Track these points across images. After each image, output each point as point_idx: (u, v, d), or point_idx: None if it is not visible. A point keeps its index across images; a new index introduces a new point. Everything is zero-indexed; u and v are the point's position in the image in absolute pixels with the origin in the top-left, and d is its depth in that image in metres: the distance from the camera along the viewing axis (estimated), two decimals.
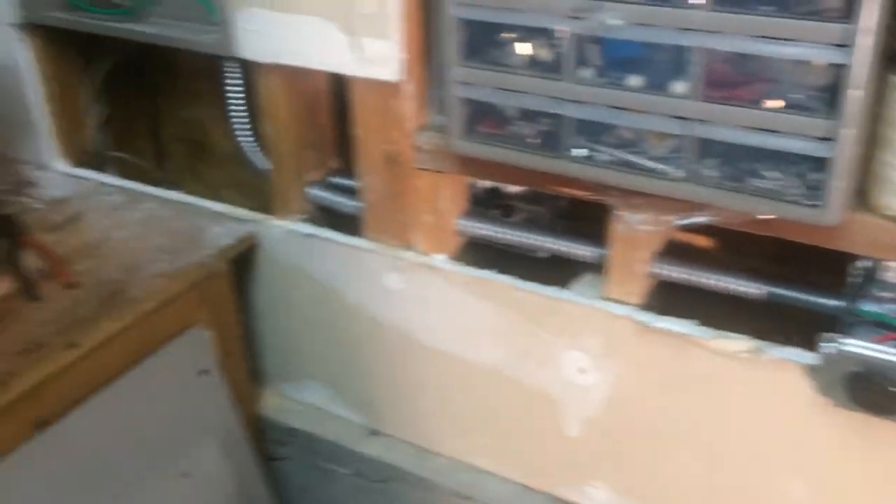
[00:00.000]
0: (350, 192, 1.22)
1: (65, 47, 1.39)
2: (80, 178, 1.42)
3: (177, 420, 1.16)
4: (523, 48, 0.93)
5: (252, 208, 1.28)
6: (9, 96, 1.41)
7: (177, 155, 1.51)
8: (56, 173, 1.44)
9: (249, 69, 1.18)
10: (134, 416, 1.09)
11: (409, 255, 1.13)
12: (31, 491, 0.98)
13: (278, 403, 1.35)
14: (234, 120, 1.28)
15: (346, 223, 1.20)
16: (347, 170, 1.24)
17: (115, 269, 1.16)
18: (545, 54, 0.91)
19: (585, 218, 1.11)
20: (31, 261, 1.16)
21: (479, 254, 1.14)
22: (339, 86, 1.19)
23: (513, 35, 0.93)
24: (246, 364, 1.31)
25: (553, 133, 0.93)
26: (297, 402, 1.34)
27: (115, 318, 1.05)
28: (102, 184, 1.41)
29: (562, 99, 0.90)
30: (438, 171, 1.07)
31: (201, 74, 1.43)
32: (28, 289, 1.11)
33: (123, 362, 1.08)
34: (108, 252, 1.20)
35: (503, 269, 1.09)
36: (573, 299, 1.02)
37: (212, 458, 1.20)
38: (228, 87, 1.25)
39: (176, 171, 1.50)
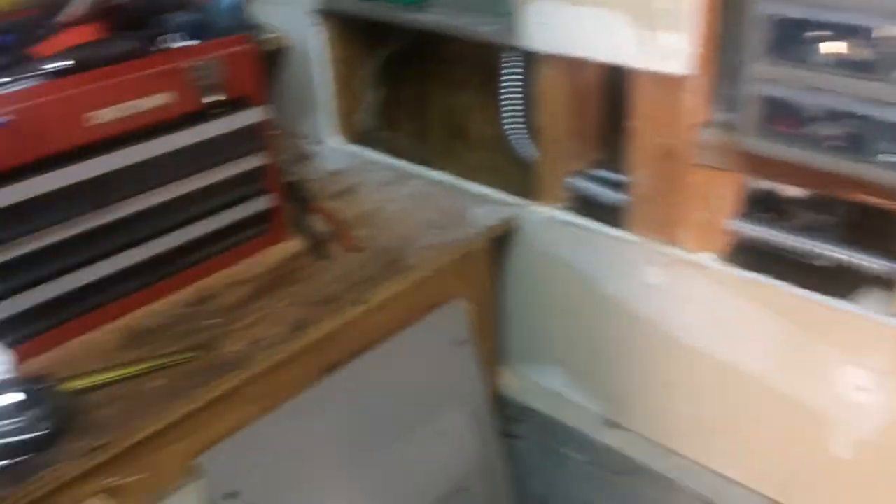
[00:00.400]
0: (609, 183, 1.23)
1: (353, 34, 1.52)
2: (353, 154, 1.55)
3: (434, 382, 1.24)
4: (834, 47, 0.89)
5: (508, 193, 1.34)
6: (299, 77, 1.58)
7: (438, 138, 1.60)
8: (331, 148, 1.58)
9: (527, 59, 1.23)
10: (401, 371, 1.19)
11: (674, 251, 1.13)
12: (316, 428, 1.10)
13: (518, 383, 1.39)
14: (505, 107, 1.34)
15: (603, 214, 1.22)
16: (607, 161, 1.26)
17: (389, 237, 1.26)
18: (861, 54, 0.87)
19: (867, 228, 1.05)
20: (318, 225, 1.30)
21: (743, 256, 1.11)
22: (609, 78, 1.21)
23: (822, 33, 0.89)
24: (493, 341, 1.37)
25: (859, 136, 0.89)
26: (536, 384, 1.38)
27: (394, 282, 1.15)
28: (371, 160, 1.53)
29: (877, 101, 0.86)
30: (717, 169, 1.06)
31: (466, 63, 1.50)
32: (318, 249, 1.23)
33: (396, 323, 1.18)
34: (382, 222, 1.31)
35: (769, 274, 1.05)
36: (860, 313, 0.97)
37: (461, 424, 1.27)
38: (504, 76, 1.31)
39: (436, 154, 1.59)
